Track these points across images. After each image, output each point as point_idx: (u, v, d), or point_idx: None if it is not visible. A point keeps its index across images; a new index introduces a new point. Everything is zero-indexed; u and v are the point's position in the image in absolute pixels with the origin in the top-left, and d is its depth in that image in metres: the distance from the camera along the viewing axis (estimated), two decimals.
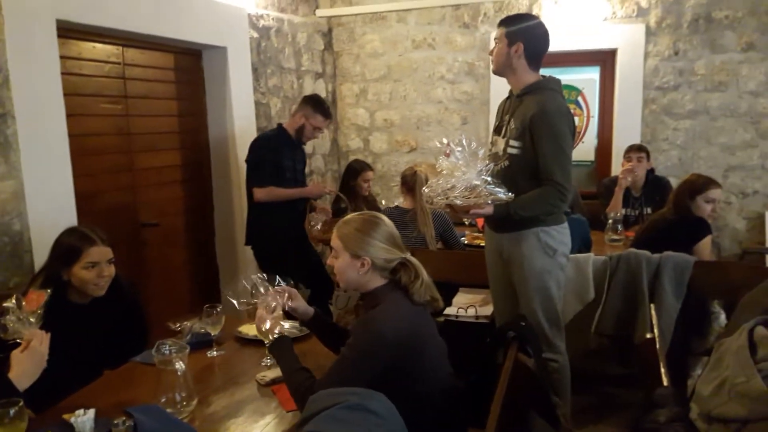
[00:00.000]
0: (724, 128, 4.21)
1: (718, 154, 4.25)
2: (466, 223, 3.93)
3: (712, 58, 4.16)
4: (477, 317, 3.05)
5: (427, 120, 4.75)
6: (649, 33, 4.23)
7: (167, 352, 1.81)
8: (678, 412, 1.46)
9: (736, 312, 1.92)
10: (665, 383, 1.86)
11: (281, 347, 1.85)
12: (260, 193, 3.32)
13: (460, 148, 2.24)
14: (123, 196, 3.12)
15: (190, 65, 3.55)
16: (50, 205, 2.47)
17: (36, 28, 2.43)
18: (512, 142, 2.45)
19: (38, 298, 1.77)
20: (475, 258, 2.88)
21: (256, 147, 3.38)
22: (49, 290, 1.80)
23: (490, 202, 2.29)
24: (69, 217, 2.54)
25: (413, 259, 1.84)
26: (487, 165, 2.27)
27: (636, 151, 3.93)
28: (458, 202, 2.25)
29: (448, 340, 2.01)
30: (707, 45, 4.16)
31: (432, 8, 4.54)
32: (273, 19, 4.05)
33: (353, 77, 4.83)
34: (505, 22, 2.48)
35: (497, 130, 2.61)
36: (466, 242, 3.67)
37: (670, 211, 3.12)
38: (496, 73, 2.57)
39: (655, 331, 2.25)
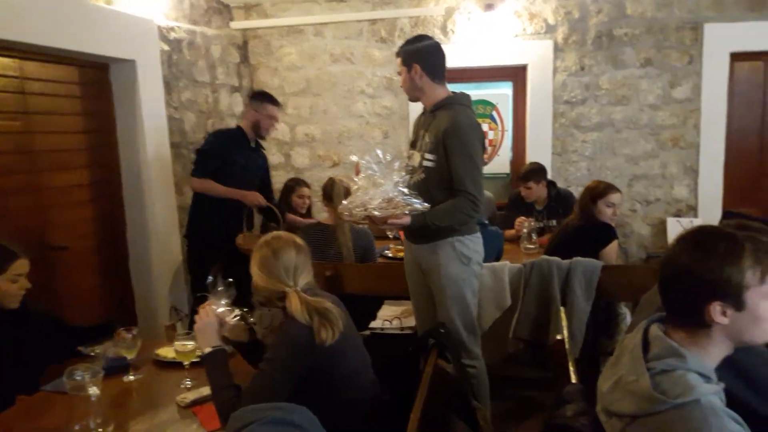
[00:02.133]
0: (628, 140, 4.48)
1: (623, 165, 4.51)
2: (390, 236, 3.94)
3: (614, 73, 4.43)
4: (402, 329, 3.09)
5: (348, 134, 4.77)
6: (557, 49, 4.45)
7: (79, 377, 1.76)
8: (584, 407, 1.52)
9: (636, 311, 2.04)
10: (574, 381, 1.94)
11: (216, 360, 1.82)
12: (196, 183, 3.49)
13: (375, 163, 2.31)
14: (27, 218, 2.94)
15: (97, 79, 3.40)
16: None
17: None
18: (427, 156, 2.55)
19: None
20: (399, 270, 2.92)
21: (209, 138, 3.57)
22: None
23: (407, 212, 2.35)
24: None
25: (290, 294, 1.81)
26: (403, 176, 2.34)
27: (523, 182, 4.01)
28: (376, 213, 2.30)
29: (376, 353, 2.03)
30: (610, 61, 4.42)
31: (348, 23, 4.58)
32: (185, 31, 3.95)
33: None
34: (399, 52, 2.62)
35: (413, 145, 2.72)
36: (390, 255, 3.71)
37: (577, 217, 3.29)
38: (412, 100, 2.71)
39: (565, 332, 2.35)
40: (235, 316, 1.93)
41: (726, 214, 4.05)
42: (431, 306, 2.71)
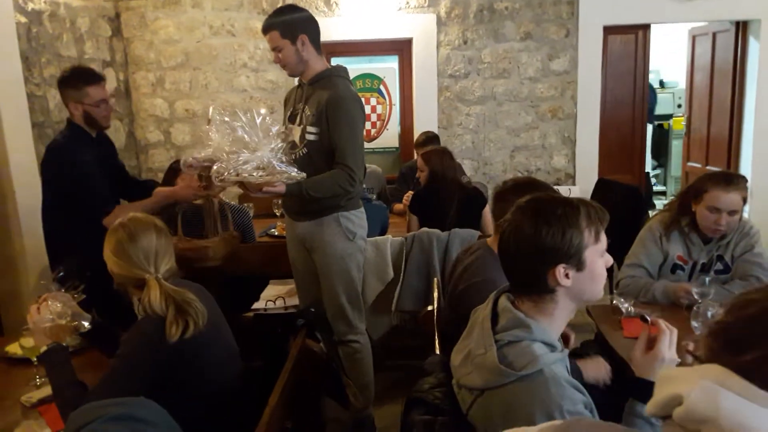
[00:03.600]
0: (510, 112, 4.63)
1: (505, 137, 4.66)
2: (277, 214, 3.91)
3: (496, 47, 4.54)
4: (286, 308, 3.06)
5: (231, 108, 4.62)
6: (440, 23, 4.50)
7: None
8: (442, 379, 1.56)
9: None
10: (437, 352, 2.00)
11: (55, 356, 1.70)
12: (110, 219, 2.41)
13: (248, 126, 2.15)
14: None
15: None
16: None
17: None
18: (309, 129, 2.49)
19: None
20: (282, 248, 2.88)
21: (63, 161, 2.58)
22: None
23: (283, 180, 2.26)
24: None
25: (150, 281, 1.72)
26: (279, 144, 2.22)
27: (420, 147, 4.01)
28: (251, 179, 2.17)
29: (260, 335, 1.98)
30: (491, 35, 4.52)
31: None
32: (45, 2, 3.65)
33: (147, 65, 4.54)
34: (274, 25, 2.44)
35: (291, 119, 2.62)
36: (276, 234, 3.65)
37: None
38: (293, 75, 2.59)
39: (435, 303, 2.40)
40: (69, 318, 1.79)
41: (599, 182, 4.31)
42: (315, 283, 2.70)
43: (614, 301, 2.27)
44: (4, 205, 3.28)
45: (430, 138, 4.08)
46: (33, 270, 3.37)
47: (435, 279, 2.82)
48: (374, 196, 3.95)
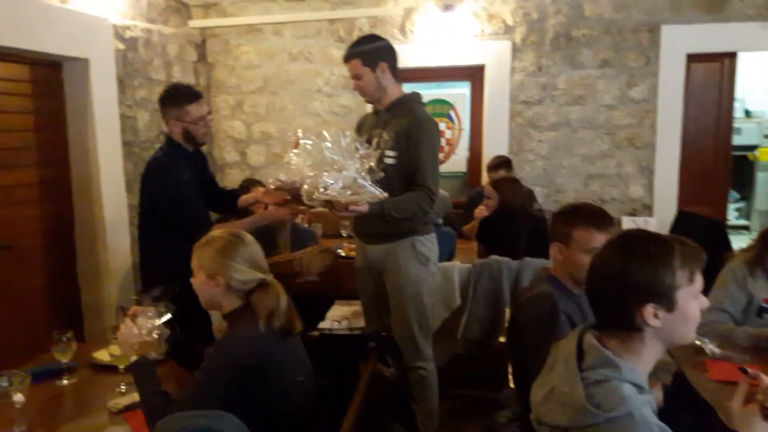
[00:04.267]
0: (584, 139, 4.53)
1: (579, 164, 4.56)
2: (344, 234, 3.97)
3: (572, 73, 4.47)
4: (351, 329, 3.10)
5: (304, 132, 4.74)
6: (515, 50, 4.48)
7: (4, 384, 1.73)
8: (519, 413, 1.53)
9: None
10: (511, 385, 1.96)
11: (142, 368, 1.78)
12: None
13: (333, 145, 2.21)
14: None
15: (49, 77, 3.35)
16: None
17: None
18: (388, 152, 2.53)
19: None
20: (351, 269, 2.91)
21: (162, 180, 2.64)
22: None
23: (367, 201, 2.29)
24: None
25: (273, 281, 1.82)
26: (364, 163, 2.27)
27: (493, 170, 4.07)
28: (339, 198, 2.21)
29: (323, 354, 2.02)
30: (567, 61, 4.47)
31: (308, 22, 4.57)
32: (141, 29, 3.90)
33: (228, 89, 4.75)
34: (356, 54, 2.54)
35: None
36: (342, 254, 3.70)
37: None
38: (370, 102, 2.67)
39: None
40: (153, 332, 1.85)
41: (680, 214, 4.14)
42: (383, 307, 2.71)
43: (697, 341, 2.16)
44: (92, 218, 3.50)
45: (504, 162, 4.08)
46: (115, 281, 3.57)
47: (506, 309, 2.77)
48: (441, 221, 3.95)
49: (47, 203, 3.35)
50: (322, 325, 3.12)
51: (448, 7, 4.43)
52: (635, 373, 1.24)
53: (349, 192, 2.22)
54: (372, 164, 2.56)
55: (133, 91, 3.83)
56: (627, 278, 1.23)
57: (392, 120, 2.56)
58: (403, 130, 2.50)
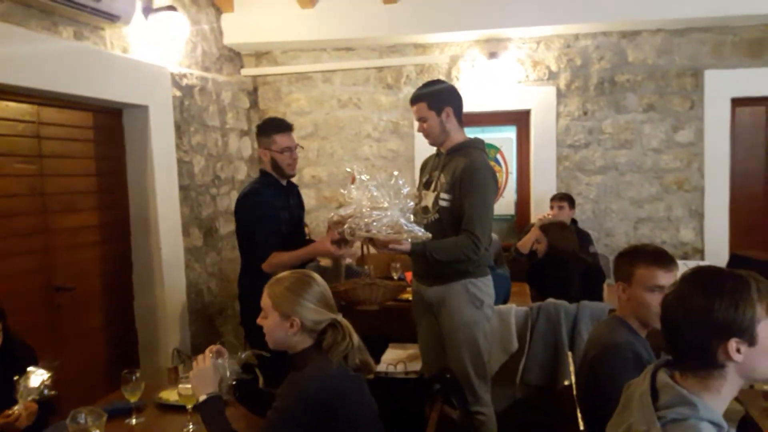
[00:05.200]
0: (632, 183, 4.51)
1: (628, 207, 4.53)
2: (395, 277, 3.96)
3: (617, 118, 4.49)
4: (407, 373, 3.06)
5: (371, 168, 4.83)
6: (560, 95, 4.53)
7: (82, 421, 1.74)
8: None
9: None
10: (581, 428, 1.91)
11: (211, 408, 1.77)
12: (266, 267, 2.65)
13: (381, 185, 2.29)
14: (35, 258, 2.96)
15: (110, 124, 3.48)
16: None
17: None
18: (443, 195, 2.56)
19: None
20: (405, 312, 2.90)
21: (247, 207, 2.75)
22: None
23: (410, 240, 2.33)
24: None
25: (344, 321, 1.82)
26: (409, 204, 2.32)
27: (558, 200, 4.20)
28: (379, 236, 2.28)
29: (380, 398, 2.00)
30: (612, 106, 4.49)
31: (356, 70, 4.70)
32: (197, 77, 4.06)
33: None
34: (422, 97, 2.58)
35: (426, 185, 2.70)
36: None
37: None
38: (434, 145, 2.69)
39: (573, 378, 2.31)
40: (232, 377, 1.86)
41: (733, 257, 4.05)
42: (439, 350, 2.68)
43: (766, 387, 2.09)
44: (150, 260, 3.56)
45: (568, 196, 4.18)
46: (171, 323, 3.61)
47: (568, 353, 2.72)
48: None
49: (107, 245, 3.43)
50: (377, 368, 3.08)
51: (492, 55, 4.52)
52: (712, 412, 1.21)
53: (390, 231, 2.27)
54: (428, 205, 2.60)
55: (190, 136, 3.95)
56: (709, 315, 1.21)
57: (450, 163, 2.59)
58: (457, 174, 2.52)
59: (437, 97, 2.57)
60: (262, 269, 2.63)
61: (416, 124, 2.69)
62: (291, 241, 2.76)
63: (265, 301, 1.83)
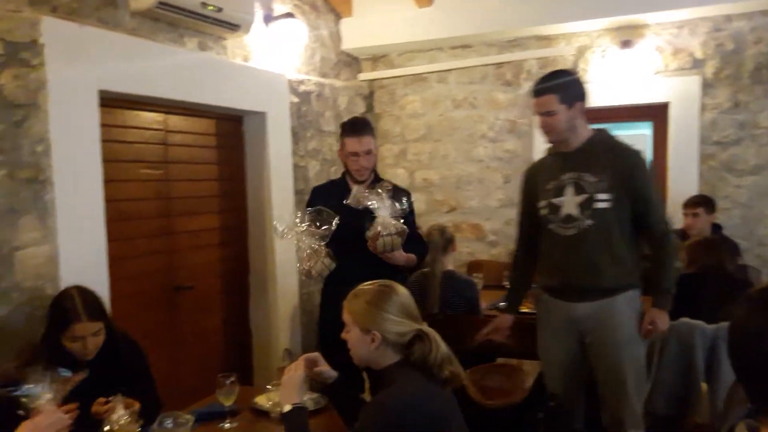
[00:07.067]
0: None
1: None
2: (507, 286, 3.74)
3: None
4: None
5: (467, 179, 4.66)
6: (706, 85, 4.03)
7: (169, 425, 1.78)
8: None
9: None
10: None
11: (295, 418, 1.73)
12: None
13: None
14: (158, 259, 3.16)
15: (231, 130, 3.64)
16: (82, 270, 2.50)
17: (78, 99, 2.53)
18: (600, 196, 2.30)
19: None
20: (513, 325, 2.69)
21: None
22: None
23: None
24: (101, 281, 2.57)
25: (430, 331, 1.71)
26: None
27: (691, 206, 3.73)
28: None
29: (473, 416, 1.87)
30: None
31: (473, 68, 4.53)
32: (314, 83, 4.13)
33: (393, 138, 4.83)
34: (552, 89, 2.33)
35: (556, 192, 2.39)
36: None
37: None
38: (554, 141, 2.43)
39: (708, 415, 2.00)
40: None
41: None
42: (575, 372, 2.44)
43: None
44: (265, 263, 3.67)
45: (704, 201, 3.74)
46: (283, 325, 3.69)
47: (703, 384, 2.37)
48: None
49: (226, 247, 3.59)
50: None
51: (626, 43, 4.13)
52: None
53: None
54: (570, 212, 2.35)
55: (306, 142, 4.03)
56: None
57: (593, 160, 2.33)
58: (620, 169, 2.28)
59: (570, 90, 2.33)
60: None
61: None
62: (341, 244, 2.54)
63: (346, 316, 1.77)
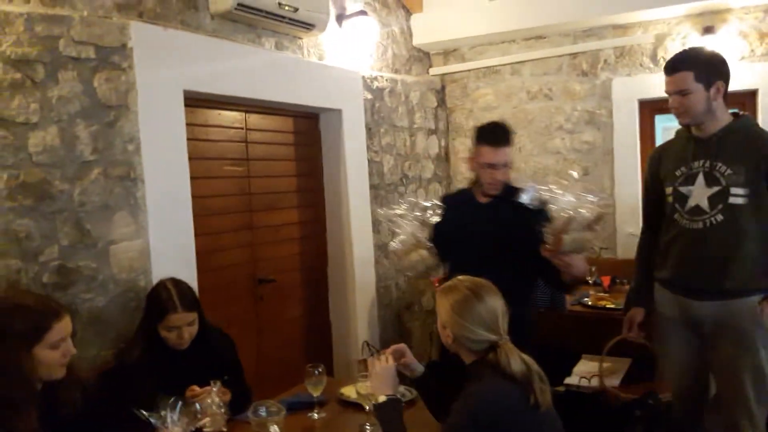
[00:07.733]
0: None
1: None
2: (590, 281, 3.66)
3: None
4: (602, 389, 2.78)
5: (544, 171, 4.56)
6: None
7: (263, 414, 1.83)
8: None
9: None
10: None
11: (390, 410, 1.75)
12: None
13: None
14: (242, 253, 3.26)
15: (308, 128, 3.71)
16: (172, 263, 2.60)
17: (165, 100, 2.64)
18: (735, 191, 2.11)
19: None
20: (599, 322, 2.62)
21: None
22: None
23: None
24: (190, 274, 2.66)
25: (506, 346, 1.67)
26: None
27: None
28: None
29: (568, 412, 1.83)
30: None
31: (548, 59, 4.43)
32: (387, 80, 4.15)
33: (466, 132, 4.77)
34: (689, 65, 2.16)
35: (687, 181, 2.22)
36: (590, 303, 3.39)
37: None
38: (687, 124, 2.25)
39: None
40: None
41: None
42: (693, 373, 2.32)
43: None
44: (343, 256, 3.73)
45: None
46: (361, 316, 3.73)
47: None
48: None
49: (305, 241, 3.67)
50: (568, 380, 2.85)
51: (708, 30, 3.94)
52: None
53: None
54: (700, 204, 2.17)
55: (380, 137, 4.06)
56: None
57: (733, 149, 2.13)
58: (761, 159, 2.09)
59: (709, 68, 2.15)
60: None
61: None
62: (465, 259, 2.30)
63: (437, 306, 1.80)
